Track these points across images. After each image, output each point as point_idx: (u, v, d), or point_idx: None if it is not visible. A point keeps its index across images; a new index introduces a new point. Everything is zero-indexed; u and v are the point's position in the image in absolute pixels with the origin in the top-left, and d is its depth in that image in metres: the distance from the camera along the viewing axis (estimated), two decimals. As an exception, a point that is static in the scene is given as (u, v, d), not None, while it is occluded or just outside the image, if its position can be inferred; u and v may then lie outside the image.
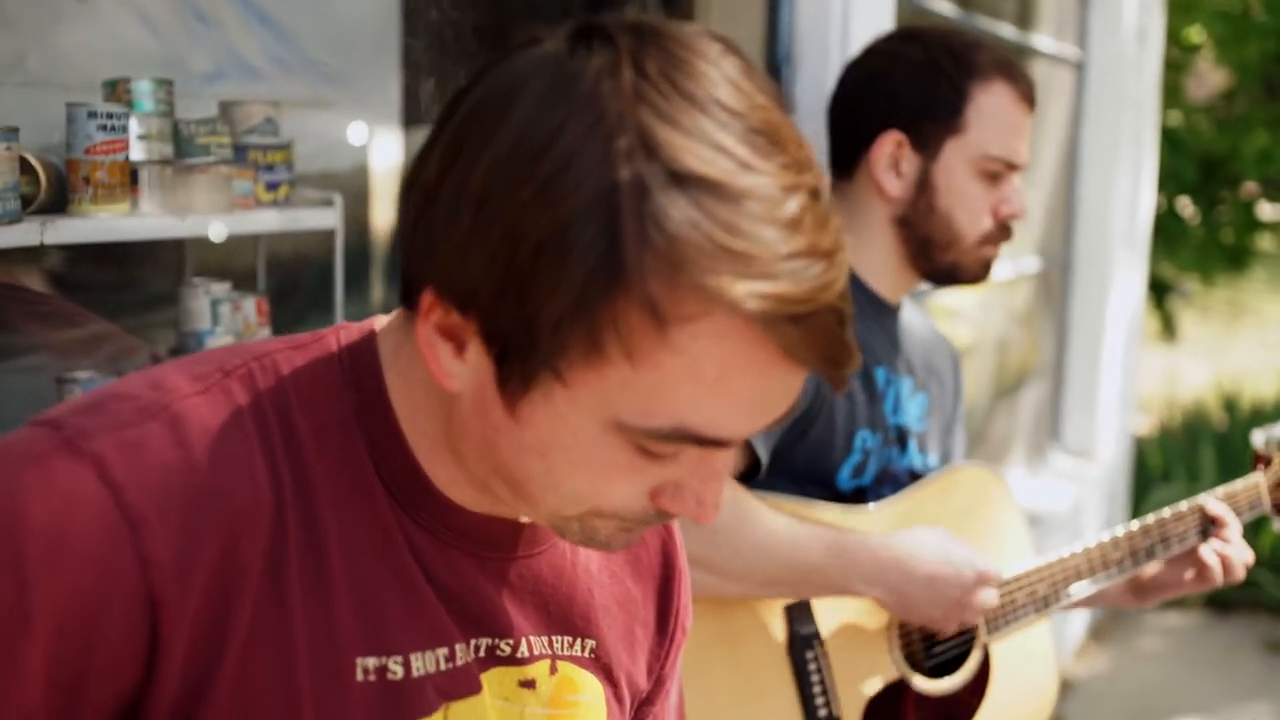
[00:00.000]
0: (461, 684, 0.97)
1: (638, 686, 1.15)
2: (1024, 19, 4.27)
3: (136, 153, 1.91)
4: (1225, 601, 5.34)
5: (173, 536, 0.83)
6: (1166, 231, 6.57)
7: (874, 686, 1.81)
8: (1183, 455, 5.84)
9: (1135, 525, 2.04)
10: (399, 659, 0.93)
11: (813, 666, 1.76)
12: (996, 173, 1.89)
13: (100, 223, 1.81)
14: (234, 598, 0.86)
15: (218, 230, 2.07)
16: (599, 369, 0.81)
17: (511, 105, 0.82)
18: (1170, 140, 6.38)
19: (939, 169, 1.89)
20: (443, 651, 0.96)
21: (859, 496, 1.89)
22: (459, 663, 0.97)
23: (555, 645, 1.05)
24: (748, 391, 0.82)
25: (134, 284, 2.27)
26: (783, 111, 0.85)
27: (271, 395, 0.92)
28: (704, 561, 1.62)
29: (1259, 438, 2.28)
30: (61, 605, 0.81)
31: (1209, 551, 1.98)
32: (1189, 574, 2.00)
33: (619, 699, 1.12)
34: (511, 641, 1.01)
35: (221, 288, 2.11)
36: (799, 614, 1.76)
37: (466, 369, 0.87)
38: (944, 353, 2.18)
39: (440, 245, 0.84)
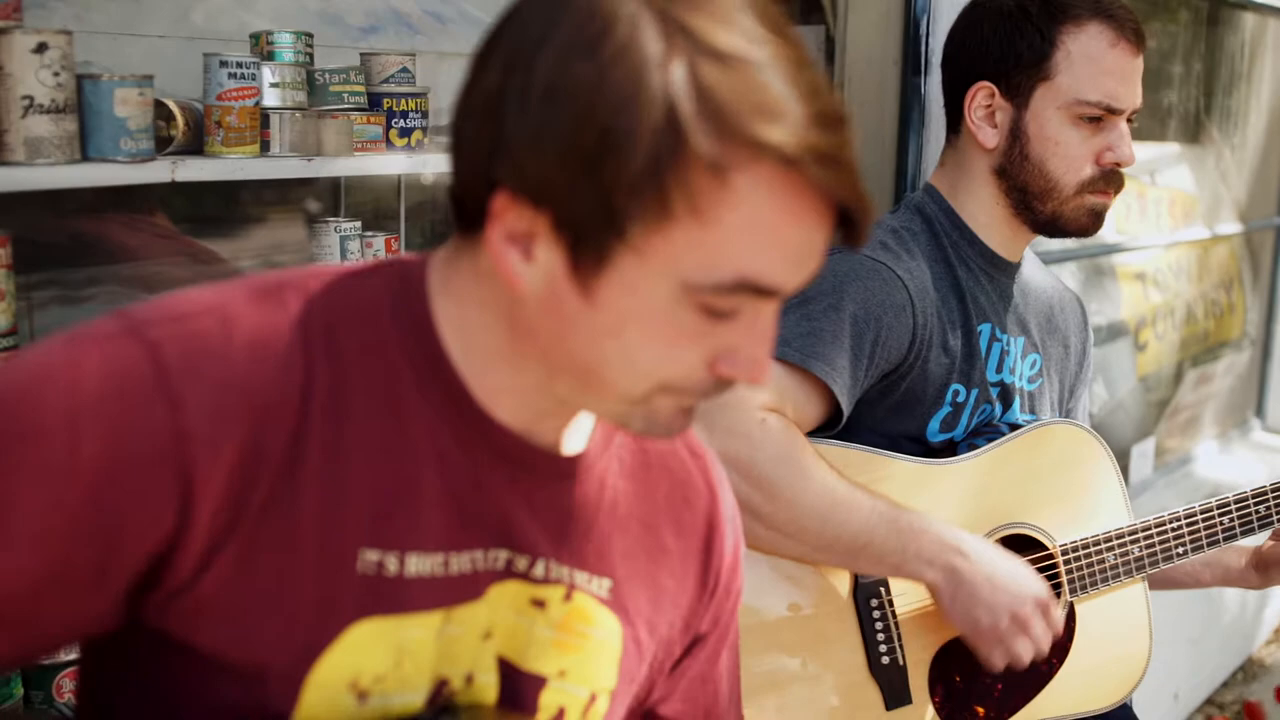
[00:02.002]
0: (462, 590, 1.03)
1: (662, 638, 1.18)
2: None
3: (270, 99, 2.04)
4: None
5: (207, 417, 0.93)
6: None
7: (942, 637, 1.80)
8: None
9: (1250, 491, 1.97)
10: (396, 556, 1.00)
11: (877, 614, 1.76)
12: (1096, 117, 1.84)
13: (229, 163, 1.95)
14: (254, 479, 0.95)
15: (343, 171, 2.20)
16: (667, 231, 0.90)
17: (562, 9, 0.92)
18: None
19: (1030, 117, 1.86)
20: (444, 557, 1.02)
21: (949, 449, 1.88)
22: (463, 569, 1.03)
23: (573, 576, 1.10)
24: (794, 240, 0.93)
25: (285, 222, 2.41)
26: (775, 4, 0.95)
27: (322, 308, 1.01)
28: (763, 515, 1.65)
29: None
30: (106, 464, 0.91)
31: None
32: None
33: (636, 643, 1.15)
34: (529, 558, 1.07)
35: (352, 225, 2.23)
36: (866, 560, 1.76)
37: (536, 270, 0.95)
38: (1071, 313, 2.13)
39: (512, 144, 0.92)
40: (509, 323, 1.01)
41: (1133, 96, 1.86)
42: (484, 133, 0.94)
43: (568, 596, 1.09)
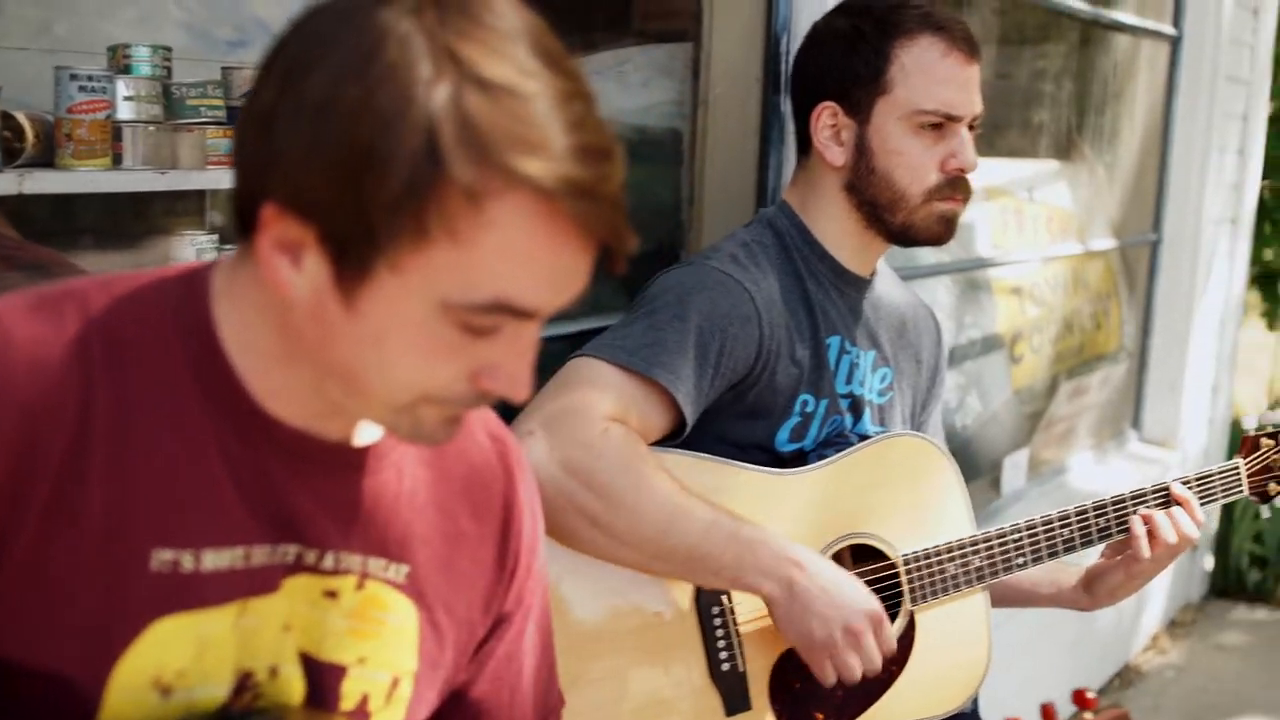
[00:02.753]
0: (257, 583, 1.07)
1: (463, 620, 1.21)
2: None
3: (124, 112, 2.03)
4: (1320, 599, 5.16)
5: None
6: (1275, 219, 6.31)
7: (782, 645, 1.82)
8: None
9: (1090, 504, 2.02)
10: (192, 553, 1.03)
11: (719, 621, 1.79)
12: (937, 124, 1.89)
13: (79, 176, 1.93)
14: (29, 484, 0.98)
15: (198, 184, 2.18)
16: (426, 252, 0.94)
17: (339, 31, 0.95)
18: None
19: (872, 131, 1.91)
20: (241, 551, 1.06)
21: (799, 459, 1.92)
22: (257, 563, 1.07)
23: (366, 564, 1.13)
24: (551, 266, 0.97)
25: (149, 236, 2.39)
26: (554, 38, 0.99)
27: (103, 313, 1.04)
28: (602, 522, 1.66)
29: (1250, 421, 2.24)
30: None
31: (1137, 520, 1.95)
32: (1126, 553, 1.98)
33: (435, 626, 1.19)
34: (318, 551, 1.10)
35: (209, 239, 2.22)
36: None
37: (304, 278, 0.99)
38: (925, 328, 2.18)
39: (283, 158, 0.96)
40: (282, 326, 1.04)
41: (970, 103, 1.92)
42: (259, 145, 0.97)
43: (360, 585, 1.13)
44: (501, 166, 0.92)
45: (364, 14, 0.95)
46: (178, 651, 1.03)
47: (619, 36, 2.79)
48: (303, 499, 1.09)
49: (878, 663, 1.76)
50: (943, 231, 1.96)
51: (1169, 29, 4.54)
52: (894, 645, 1.80)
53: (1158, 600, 4.71)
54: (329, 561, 1.11)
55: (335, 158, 0.93)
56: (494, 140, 0.92)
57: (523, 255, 0.95)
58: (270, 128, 0.96)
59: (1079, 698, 1.31)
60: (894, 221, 1.94)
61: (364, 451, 1.13)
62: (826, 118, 1.93)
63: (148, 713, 1.02)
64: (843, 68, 1.91)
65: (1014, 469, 3.85)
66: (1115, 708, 1.34)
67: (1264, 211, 6.09)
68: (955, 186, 1.93)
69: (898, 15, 1.91)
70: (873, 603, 1.76)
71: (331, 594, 1.11)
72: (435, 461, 1.20)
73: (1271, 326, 6.84)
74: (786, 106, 2.46)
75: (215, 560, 1.04)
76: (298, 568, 1.09)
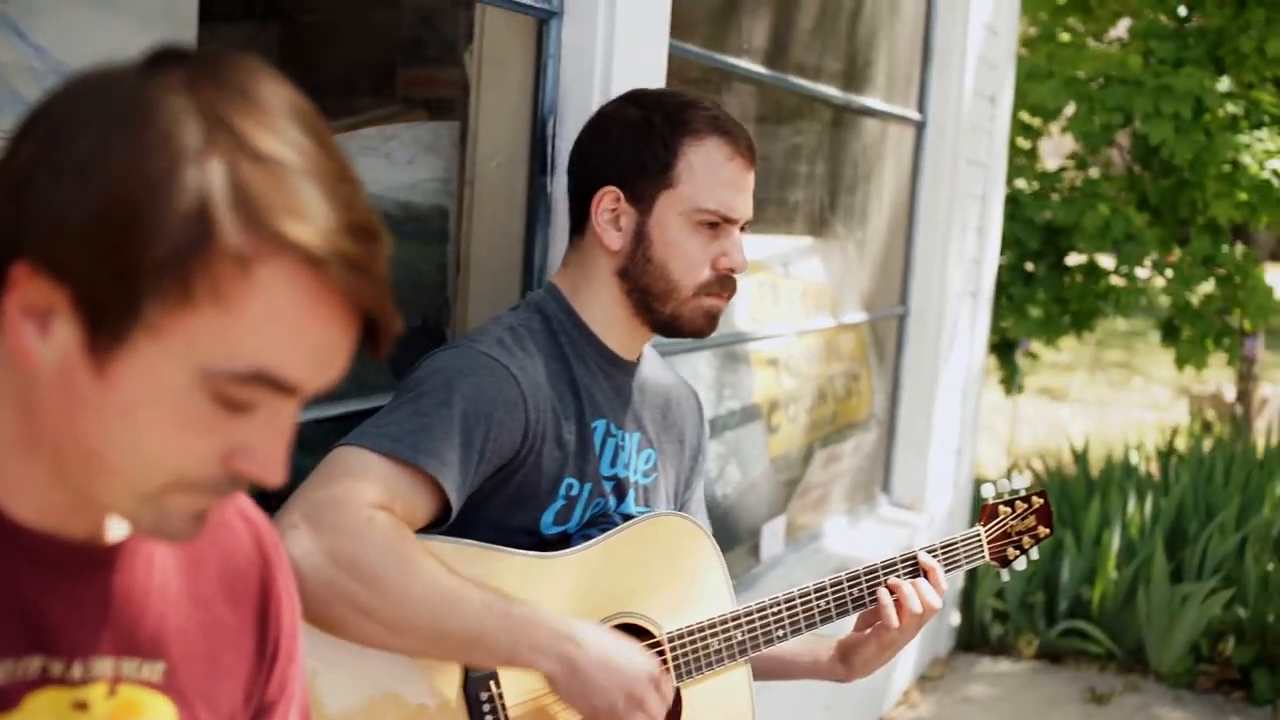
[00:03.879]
0: None
1: (224, 712, 1.17)
2: (856, 81, 4.37)
3: None
4: (1055, 653, 5.45)
5: None
6: (1010, 294, 6.73)
7: (551, 728, 1.84)
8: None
9: (844, 575, 2.10)
10: None
11: (488, 708, 1.79)
12: (713, 223, 1.97)
13: None
14: None
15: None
16: (189, 317, 0.92)
17: (107, 99, 0.94)
18: (1015, 205, 6.56)
19: (653, 222, 1.97)
20: None
21: (563, 541, 1.94)
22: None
23: (119, 667, 1.08)
24: (315, 338, 0.96)
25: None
26: (323, 121, 1.00)
27: None
28: (371, 610, 1.65)
29: (989, 490, 2.37)
30: None
31: (884, 592, 2.05)
32: (876, 624, 2.07)
33: None
34: (64, 661, 1.04)
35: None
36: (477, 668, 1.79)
37: (50, 346, 0.94)
38: (688, 408, 2.24)
39: (37, 217, 0.92)
40: (23, 409, 0.99)
41: (745, 207, 2.00)
42: (9, 205, 0.94)
43: (112, 692, 1.07)
44: (273, 231, 0.92)
45: (133, 83, 0.94)
46: None
47: (384, 103, 2.79)
48: (49, 605, 1.03)
49: (658, 716, 1.80)
50: (706, 325, 2.03)
51: (915, 114, 4.79)
52: (671, 696, 1.83)
53: (909, 656, 4.90)
54: (77, 670, 1.05)
55: (97, 219, 0.91)
56: (266, 206, 0.92)
57: (288, 325, 0.94)
58: (23, 188, 0.93)
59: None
60: (663, 311, 2.00)
61: (114, 548, 1.08)
62: (608, 202, 1.98)
63: None
64: (630, 157, 1.97)
65: (772, 536, 3.96)
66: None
67: (1000, 285, 6.49)
68: (723, 284, 2.01)
69: (689, 114, 1.98)
70: (649, 663, 1.79)
71: (81, 705, 1.05)
72: (187, 549, 1.16)
73: (1009, 392, 7.25)
74: (553, 187, 2.50)
75: None
76: (43, 681, 1.03)
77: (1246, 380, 8.29)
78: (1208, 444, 7.06)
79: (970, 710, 4.93)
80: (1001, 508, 2.34)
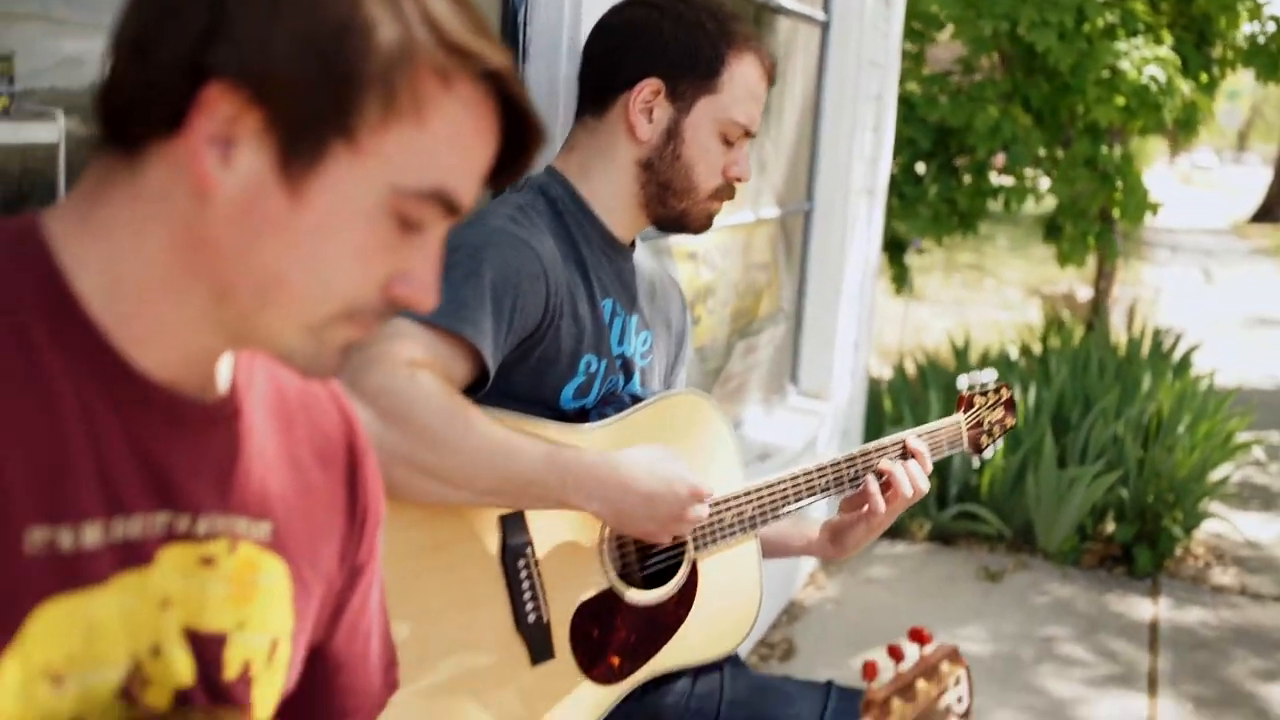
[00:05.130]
0: (133, 556, 1.00)
1: (324, 575, 1.20)
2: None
3: None
4: (947, 535, 5.71)
5: None
6: (902, 193, 6.92)
7: (584, 595, 1.92)
8: (913, 400, 6.19)
9: (842, 455, 2.20)
10: (69, 530, 0.96)
11: (524, 574, 1.85)
12: (735, 135, 2.03)
13: None
14: None
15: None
16: (390, 131, 0.95)
17: None
18: (908, 107, 6.71)
19: (689, 122, 2.02)
20: (116, 522, 0.99)
21: (581, 416, 2.00)
22: (133, 535, 1.00)
23: (235, 526, 1.09)
24: (479, 158, 1.02)
25: None
26: None
27: None
28: (426, 468, 1.68)
29: (963, 382, 2.48)
30: None
31: (871, 479, 2.15)
32: (864, 507, 2.17)
33: (303, 584, 1.16)
34: (190, 517, 1.04)
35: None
36: (513, 524, 1.85)
37: (234, 172, 0.95)
38: (674, 297, 2.32)
39: (237, 31, 0.92)
40: (178, 242, 0.98)
41: (759, 124, 2.09)
42: (193, 20, 0.93)
43: (233, 549, 1.09)
44: (467, 49, 0.96)
45: None
46: (64, 637, 0.95)
47: None
48: (173, 460, 1.03)
49: (702, 521, 1.91)
50: (705, 226, 2.13)
51: (820, 14, 4.86)
52: (712, 497, 1.94)
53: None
54: (202, 527, 1.06)
55: (309, 30, 0.92)
56: (458, 25, 0.96)
57: (465, 144, 0.99)
58: (223, 7, 0.92)
59: (915, 635, 1.47)
60: (676, 207, 2.06)
61: (222, 406, 1.08)
62: (648, 94, 2.02)
63: (40, 707, 0.95)
64: (680, 56, 2.01)
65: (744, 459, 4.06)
66: (946, 645, 1.50)
67: (892, 185, 6.66)
68: (729, 192, 2.08)
69: (735, 25, 2.05)
70: (688, 484, 1.87)
71: (208, 561, 1.06)
72: (279, 412, 1.17)
73: (898, 291, 7.46)
74: (525, 75, 2.51)
75: (93, 535, 0.97)
76: (170, 536, 1.03)
77: (1107, 278, 8.64)
78: (1077, 338, 7.40)
79: (875, 590, 5.15)
80: (976, 398, 2.46)
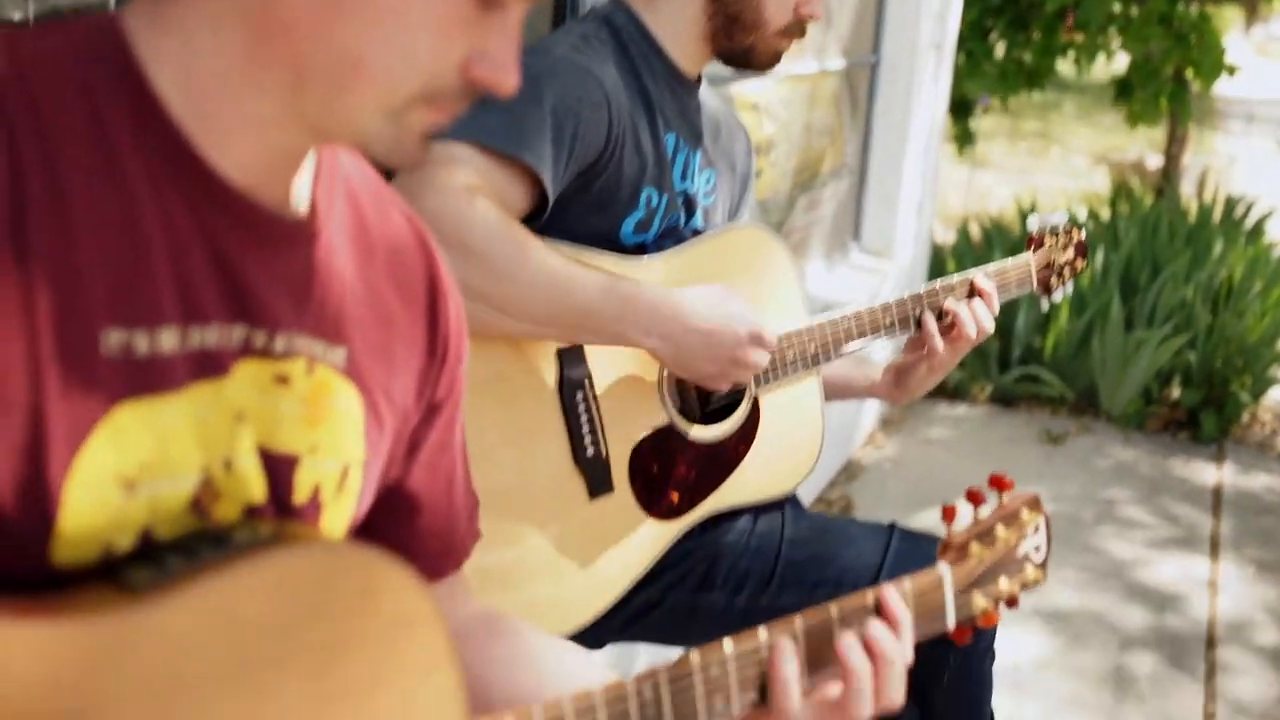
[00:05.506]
0: (209, 366, 0.97)
1: (399, 407, 1.16)
2: None
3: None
4: (1009, 398, 5.64)
5: None
6: (970, 51, 6.71)
7: (643, 430, 1.88)
8: (978, 262, 6.08)
9: (907, 295, 2.14)
10: (145, 333, 0.93)
11: (582, 408, 1.82)
12: None
13: None
14: None
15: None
16: None
17: None
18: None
19: None
20: (193, 330, 0.96)
21: (640, 252, 1.95)
22: (209, 345, 0.97)
23: (313, 348, 1.05)
24: None
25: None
26: None
27: (7, 71, 0.90)
28: (483, 295, 1.64)
29: (1034, 222, 2.40)
30: None
31: (928, 317, 2.09)
32: (924, 349, 2.11)
33: (376, 412, 1.13)
34: (267, 333, 1.01)
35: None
36: (571, 357, 1.81)
37: None
38: (739, 138, 2.24)
39: None
40: (254, 29, 0.94)
41: None
42: None
43: (310, 370, 1.05)
44: None
45: None
46: (140, 443, 0.93)
47: None
48: (252, 273, 1.00)
49: (763, 366, 1.87)
50: (771, 63, 2.04)
51: None
52: (775, 345, 1.90)
53: (872, 401, 5.04)
54: (279, 344, 1.02)
55: None
56: None
57: None
58: None
59: (996, 481, 1.41)
60: (744, 41, 1.98)
61: (302, 222, 1.04)
62: None
63: (111, 512, 0.93)
64: None
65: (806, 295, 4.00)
66: (1026, 492, 1.45)
67: (960, 42, 6.46)
68: (798, 30, 1.99)
69: None
70: (748, 323, 1.83)
71: (283, 379, 1.03)
72: (358, 237, 1.13)
73: (960, 151, 7.30)
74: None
75: (169, 341, 0.94)
76: (246, 351, 1.00)
77: (1179, 144, 8.42)
78: (1146, 205, 7.22)
79: (933, 450, 5.11)
80: (1047, 238, 2.38)
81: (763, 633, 1.19)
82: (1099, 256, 5.92)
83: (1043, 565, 1.44)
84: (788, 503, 2.11)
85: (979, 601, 1.35)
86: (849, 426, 4.76)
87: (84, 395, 0.90)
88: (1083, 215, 7.21)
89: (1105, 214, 7.28)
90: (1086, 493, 4.75)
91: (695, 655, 1.16)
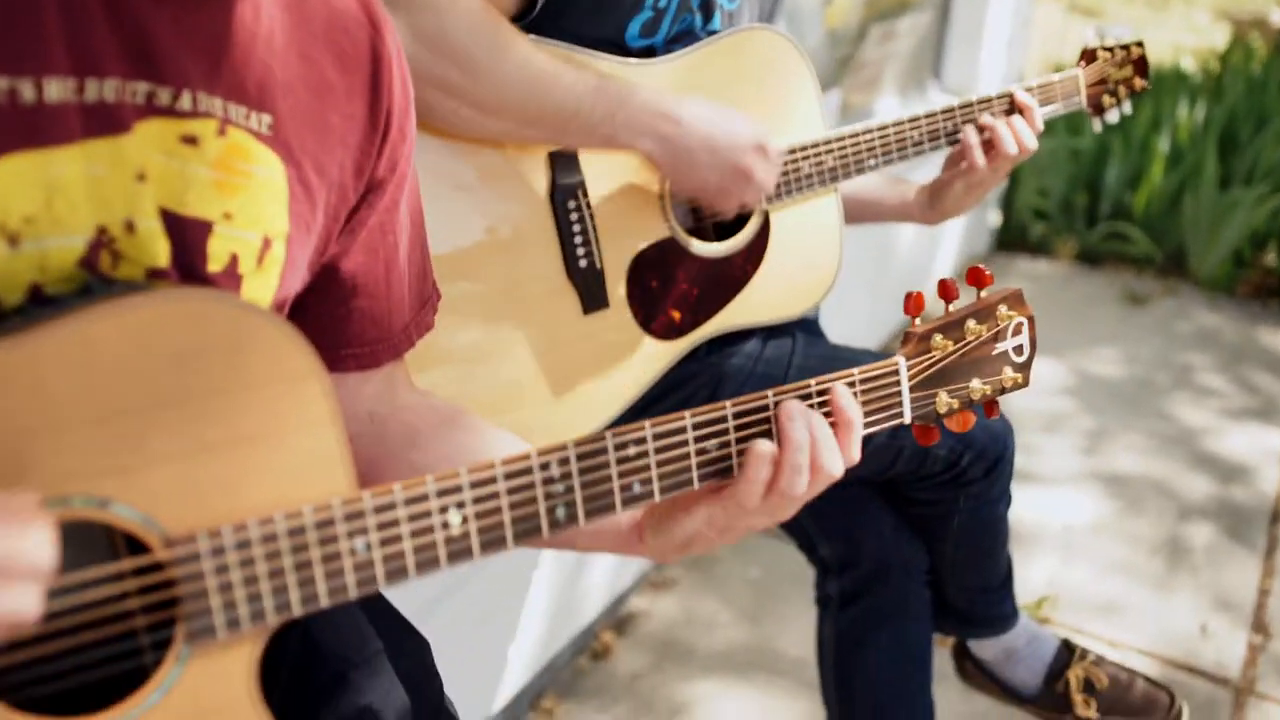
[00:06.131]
0: (107, 121, 0.94)
1: (333, 181, 1.12)
2: None
3: None
4: (1094, 255, 5.42)
5: None
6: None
7: (641, 243, 1.77)
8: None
9: (939, 108, 1.99)
10: (31, 81, 0.89)
11: (574, 217, 1.71)
12: None
13: None
14: None
15: None
16: None
17: None
18: None
19: None
20: (90, 83, 0.93)
21: (648, 55, 1.82)
22: (108, 98, 0.94)
23: (227, 109, 1.02)
24: None
25: None
26: None
27: None
28: (461, 92, 1.55)
29: (1091, 33, 2.23)
30: None
31: (969, 130, 1.95)
32: (963, 164, 1.98)
33: (305, 184, 1.09)
34: (173, 91, 0.98)
35: None
36: (564, 162, 1.70)
37: None
38: None
39: None
40: None
41: None
42: None
43: (221, 131, 1.01)
44: None
45: None
46: (22, 195, 0.90)
47: None
48: (157, 31, 0.96)
49: (770, 186, 1.77)
50: None
51: None
52: (781, 162, 1.79)
53: (948, 252, 4.87)
54: (185, 102, 0.98)
55: None
56: None
57: None
58: None
59: (974, 275, 1.30)
60: None
61: None
62: None
63: None
64: None
65: (825, 108, 3.83)
66: (1009, 288, 1.33)
67: None
68: None
69: None
70: (753, 131, 1.72)
71: (190, 139, 0.99)
72: (294, 4, 1.07)
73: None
74: None
75: (60, 91, 0.91)
76: (150, 109, 0.96)
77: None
78: (1261, 55, 6.83)
79: (1006, 305, 4.93)
80: (1100, 52, 2.21)
81: (688, 414, 1.11)
82: (1199, 110, 5.61)
83: (1024, 368, 1.33)
84: (799, 328, 2.00)
85: (944, 399, 1.26)
86: (920, 275, 4.60)
87: None
88: (1191, 65, 6.84)
89: (1216, 69, 6.89)
90: (1163, 357, 4.56)
91: (610, 434, 1.09)
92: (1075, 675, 2.21)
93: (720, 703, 2.75)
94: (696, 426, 1.12)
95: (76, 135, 0.92)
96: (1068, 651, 2.23)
